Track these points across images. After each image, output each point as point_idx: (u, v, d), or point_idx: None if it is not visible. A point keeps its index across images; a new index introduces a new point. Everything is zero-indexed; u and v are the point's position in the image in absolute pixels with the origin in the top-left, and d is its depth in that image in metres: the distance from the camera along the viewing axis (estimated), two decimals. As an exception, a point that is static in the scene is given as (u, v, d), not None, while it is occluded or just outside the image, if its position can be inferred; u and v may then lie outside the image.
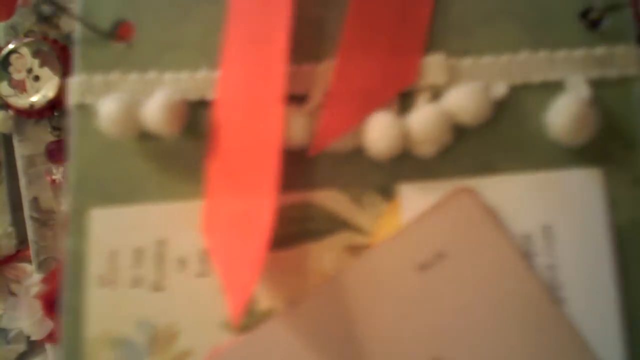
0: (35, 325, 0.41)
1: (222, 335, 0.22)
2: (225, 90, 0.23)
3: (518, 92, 0.23)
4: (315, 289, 0.22)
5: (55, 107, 0.40)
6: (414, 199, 0.23)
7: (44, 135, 0.42)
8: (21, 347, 0.42)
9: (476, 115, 0.22)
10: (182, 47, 0.24)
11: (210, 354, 0.22)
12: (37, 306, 0.41)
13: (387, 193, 0.23)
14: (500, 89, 0.23)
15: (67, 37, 0.41)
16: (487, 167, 0.23)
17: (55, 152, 0.41)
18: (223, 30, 0.24)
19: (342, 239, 0.23)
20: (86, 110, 0.24)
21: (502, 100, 0.23)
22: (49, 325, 0.41)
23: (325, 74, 0.23)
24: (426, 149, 0.22)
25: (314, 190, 0.23)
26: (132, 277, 0.23)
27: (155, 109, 0.22)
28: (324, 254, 0.22)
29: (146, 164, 0.23)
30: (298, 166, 0.23)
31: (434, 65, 0.23)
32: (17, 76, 0.40)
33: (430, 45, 0.23)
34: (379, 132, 0.22)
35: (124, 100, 0.22)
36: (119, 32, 0.24)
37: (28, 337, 0.42)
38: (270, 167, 0.21)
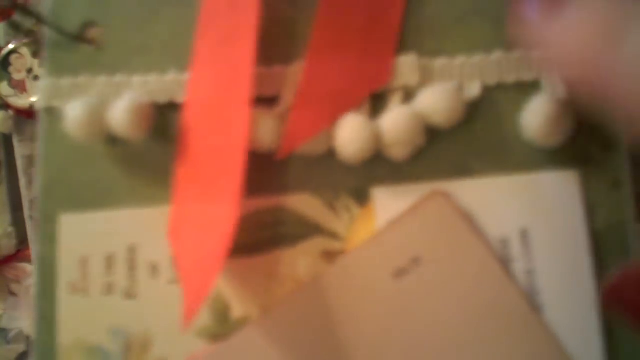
0: (35, 325, 0.41)
1: (196, 343, 0.21)
2: (193, 93, 0.22)
3: (492, 93, 0.22)
4: (289, 295, 0.21)
5: (55, 106, 0.40)
6: (388, 203, 0.22)
7: (44, 135, 0.41)
8: (21, 347, 0.42)
9: (450, 116, 0.21)
10: (151, 50, 0.23)
11: (185, 362, 0.21)
12: (37, 306, 0.41)
13: (360, 197, 0.22)
14: (473, 90, 0.22)
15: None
16: (462, 169, 0.22)
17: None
18: (192, 32, 0.23)
19: (316, 244, 0.22)
20: (54, 114, 0.23)
21: (476, 100, 0.22)
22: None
23: (295, 75, 0.22)
24: (399, 151, 0.22)
25: (286, 194, 0.22)
26: (104, 284, 0.22)
27: (121, 112, 0.21)
28: (298, 259, 0.22)
29: (116, 169, 0.23)
30: (269, 170, 0.22)
31: (406, 66, 0.22)
32: (17, 76, 0.40)
33: (402, 45, 0.23)
34: (351, 134, 0.21)
35: (90, 103, 0.22)
36: (86, 34, 0.24)
37: (28, 337, 0.42)
38: (234, 173, 0.20)
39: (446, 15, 0.23)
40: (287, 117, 0.22)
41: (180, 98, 0.23)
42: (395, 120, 0.21)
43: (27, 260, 0.42)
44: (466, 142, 0.22)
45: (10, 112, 0.41)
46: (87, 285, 0.22)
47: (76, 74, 0.23)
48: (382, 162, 0.22)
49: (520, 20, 0.20)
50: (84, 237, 0.22)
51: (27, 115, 0.41)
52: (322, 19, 0.22)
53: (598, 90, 0.17)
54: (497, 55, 0.22)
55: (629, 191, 0.22)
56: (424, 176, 0.22)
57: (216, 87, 0.22)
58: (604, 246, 0.21)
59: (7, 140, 0.42)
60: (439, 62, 0.22)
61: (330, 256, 0.22)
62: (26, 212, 0.41)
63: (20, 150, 0.42)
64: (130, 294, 0.22)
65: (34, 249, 0.23)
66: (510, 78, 0.22)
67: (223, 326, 0.21)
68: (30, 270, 0.42)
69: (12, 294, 0.43)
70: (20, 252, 0.43)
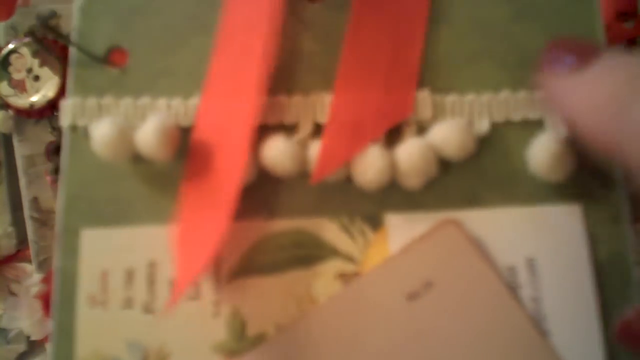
0: (35, 325, 0.41)
1: (212, 358, 0.22)
2: (203, 116, 0.23)
3: (500, 129, 0.23)
4: (305, 315, 0.22)
5: (55, 107, 0.40)
6: (401, 229, 0.23)
7: (44, 135, 0.41)
8: (21, 347, 0.42)
9: (461, 149, 0.22)
10: (175, 75, 0.24)
11: (200, 378, 0.22)
12: (37, 306, 0.41)
13: (374, 222, 0.23)
14: (483, 126, 0.23)
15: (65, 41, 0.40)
16: (472, 199, 0.23)
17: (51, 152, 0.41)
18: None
19: (332, 266, 0.22)
20: (79, 132, 0.23)
21: (485, 136, 0.23)
22: (49, 325, 0.41)
23: (314, 105, 0.23)
24: (413, 181, 0.22)
25: (304, 217, 0.23)
26: (124, 298, 0.22)
27: (149, 133, 0.22)
28: (314, 280, 0.22)
29: (138, 186, 0.23)
30: (288, 194, 0.23)
31: (421, 101, 0.23)
32: (17, 76, 0.40)
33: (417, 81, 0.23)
34: (368, 163, 0.22)
35: (117, 123, 0.22)
36: (112, 58, 0.24)
37: (28, 337, 0.42)
38: (230, 189, 0.21)
39: (458, 55, 0.24)
40: (306, 145, 0.23)
41: (202, 122, 0.23)
42: (410, 152, 0.22)
43: (27, 260, 0.41)
44: (476, 174, 0.23)
45: (10, 112, 0.41)
46: (106, 299, 0.22)
47: (101, 94, 0.24)
48: (396, 190, 0.23)
49: (547, 74, 0.21)
50: (105, 251, 0.23)
51: (27, 115, 0.41)
52: (348, 54, 0.23)
53: (608, 148, 0.18)
54: (504, 94, 0.23)
55: (628, 225, 0.23)
56: (435, 205, 0.23)
57: (223, 109, 0.22)
58: (606, 276, 0.22)
59: (7, 140, 0.42)
60: (450, 99, 0.23)
61: (345, 278, 0.22)
62: (26, 212, 0.41)
63: (20, 150, 0.41)
64: (149, 309, 0.22)
65: (54, 261, 0.23)
66: (517, 116, 0.23)
67: (239, 343, 0.22)
68: (30, 270, 0.42)
69: (12, 294, 0.42)
70: (20, 252, 0.42)
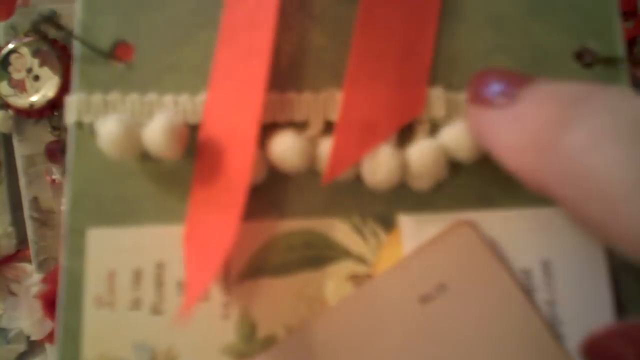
0: (35, 325, 0.41)
1: (221, 360, 0.21)
2: (209, 112, 0.22)
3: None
4: (316, 317, 0.21)
5: (55, 106, 0.40)
6: (414, 230, 0.22)
7: (44, 135, 0.41)
8: (21, 347, 0.42)
9: (473, 151, 0.22)
10: (182, 70, 0.23)
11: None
12: (37, 306, 0.41)
13: (387, 223, 0.22)
14: None
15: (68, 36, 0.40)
16: (486, 200, 0.22)
17: (55, 152, 0.41)
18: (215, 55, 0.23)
19: (344, 267, 0.22)
20: (84, 129, 0.23)
21: None
22: (49, 325, 0.40)
23: (324, 102, 0.22)
24: (423, 183, 0.22)
25: (315, 217, 0.22)
26: (131, 299, 0.22)
27: (157, 130, 0.21)
28: (325, 282, 0.22)
29: (146, 185, 0.23)
30: (298, 193, 0.22)
31: (434, 99, 0.22)
32: (17, 76, 0.40)
33: (430, 78, 0.23)
34: (379, 163, 0.21)
35: (124, 120, 0.21)
36: (117, 52, 0.23)
37: (28, 337, 0.42)
38: (240, 187, 0.20)
39: (472, 51, 0.23)
40: (316, 142, 0.22)
41: (210, 119, 0.22)
42: (421, 154, 0.21)
43: (27, 260, 0.41)
44: (490, 175, 0.22)
45: (10, 112, 0.40)
46: (113, 300, 0.22)
47: (107, 90, 0.23)
48: (408, 190, 0.22)
49: (474, 106, 0.20)
50: (112, 251, 0.22)
51: (27, 115, 0.40)
52: (358, 50, 0.22)
53: (538, 188, 0.18)
54: (520, 91, 0.23)
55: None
56: (448, 206, 0.22)
57: (228, 106, 0.22)
58: (622, 278, 0.22)
59: (7, 140, 0.41)
60: (464, 97, 0.22)
61: (357, 280, 0.22)
62: (26, 212, 0.40)
63: (20, 150, 0.41)
64: (157, 310, 0.22)
65: (60, 261, 0.22)
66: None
67: (248, 345, 0.21)
68: (30, 270, 0.41)
69: (12, 293, 0.42)
70: (20, 252, 0.42)
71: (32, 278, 0.41)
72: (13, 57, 0.40)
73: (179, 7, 0.24)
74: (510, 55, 0.23)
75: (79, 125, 0.23)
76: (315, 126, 0.22)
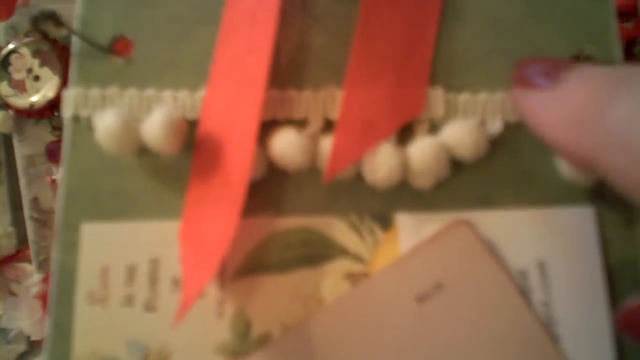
0: (35, 325, 0.40)
1: (215, 359, 0.21)
2: (208, 108, 0.22)
3: (513, 130, 0.22)
4: (312, 315, 0.21)
5: (55, 107, 0.39)
6: (412, 229, 0.22)
7: (44, 135, 0.40)
8: (21, 347, 0.41)
9: (473, 150, 0.21)
10: (181, 66, 0.23)
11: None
12: (37, 306, 0.40)
13: (385, 222, 0.22)
14: (496, 126, 0.22)
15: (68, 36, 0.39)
16: (484, 200, 0.22)
17: (55, 152, 0.40)
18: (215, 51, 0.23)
19: (341, 266, 0.21)
20: (81, 123, 0.22)
21: (498, 136, 0.22)
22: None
23: (324, 100, 0.22)
24: (424, 181, 0.22)
25: (312, 215, 0.22)
26: (124, 295, 0.21)
27: (156, 125, 0.21)
28: (322, 280, 0.21)
29: (142, 180, 0.22)
30: (296, 191, 0.22)
31: (433, 99, 0.22)
32: (17, 76, 0.39)
33: (430, 78, 0.23)
34: (379, 161, 0.21)
35: (122, 115, 0.21)
36: (117, 47, 0.23)
37: (28, 337, 0.41)
38: (238, 184, 0.20)
39: (471, 52, 0.23)
40: (316, 140, 0.22)
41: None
42: (422, 151, 0.21)
43: (27, 260, 0.41)
44: (488, 175, 0.22)
45: (10, 112, 0.40)
46: (106, 296, 0.21)
47: (105, 85, 0.23)
48: (406, 189, 0.22)
49: (519, 92, 0.20)
50: (106, 246, 0.22)
51: (27, 115, 0.40)
52: (359, 48, 0.22)
53: (584, 161, 0.18)
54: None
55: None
56: (446, 205, 0.22)
57: (228, 103, 0.21)
58: (617, 280, 0.21)
59: (7, 140, 0.41)
60: (463, 97, 0.22)
61: (353, 278, 0.21)
62: (26, 212, 0.40)
63: (20, 150, 0.40)
64: (150, 307, 0.21)
65: (53, 255, 0.22)
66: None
67: (243, 343, 0.21)
68: (30, 270, 0.41)
69: (12, 294, 0.41)
70: (20, 252, 0.41)
71: (32, 278, 0.40)
72: (13, 57, 0.39)
73: (179, 3, 0.23)
74: (509, 58, 0.23)
75: (76, 119, 0.22)
76: (315, 124, 0.22)
